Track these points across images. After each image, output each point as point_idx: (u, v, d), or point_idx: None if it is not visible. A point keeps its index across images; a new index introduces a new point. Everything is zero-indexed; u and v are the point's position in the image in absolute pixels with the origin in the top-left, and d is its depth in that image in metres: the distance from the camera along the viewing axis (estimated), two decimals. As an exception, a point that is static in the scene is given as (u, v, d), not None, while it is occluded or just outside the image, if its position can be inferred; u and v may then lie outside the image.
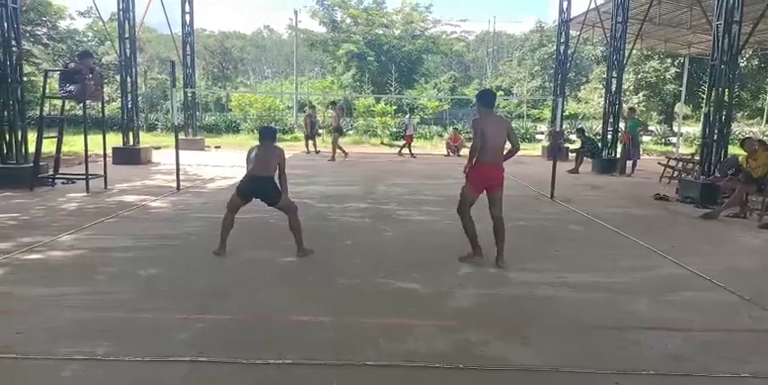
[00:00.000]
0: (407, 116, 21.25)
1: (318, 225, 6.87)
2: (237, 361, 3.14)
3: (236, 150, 18.25)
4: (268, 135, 5.52)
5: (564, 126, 18.69)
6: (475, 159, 5.13)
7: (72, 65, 9.49)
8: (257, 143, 5.47)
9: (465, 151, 19.25)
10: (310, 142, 17.94)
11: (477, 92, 5.53)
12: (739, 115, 31.72)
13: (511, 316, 3.99)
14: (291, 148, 19.40)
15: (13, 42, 9.23)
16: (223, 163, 13.70)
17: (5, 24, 9.07)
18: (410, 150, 17.56)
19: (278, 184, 5.29)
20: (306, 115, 18.97)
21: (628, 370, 3.14)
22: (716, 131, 9.18)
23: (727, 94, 9.14)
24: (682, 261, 5.41)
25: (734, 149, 12.66)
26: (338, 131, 16.27)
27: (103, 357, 3.15)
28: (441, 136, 23.63)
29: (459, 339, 3.52)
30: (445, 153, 18.63)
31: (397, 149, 18.37)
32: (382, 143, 22.85)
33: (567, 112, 27.03)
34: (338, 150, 15.67)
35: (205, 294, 4.25)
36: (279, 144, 5.77)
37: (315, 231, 6.49)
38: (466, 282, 4.68)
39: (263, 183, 5.21)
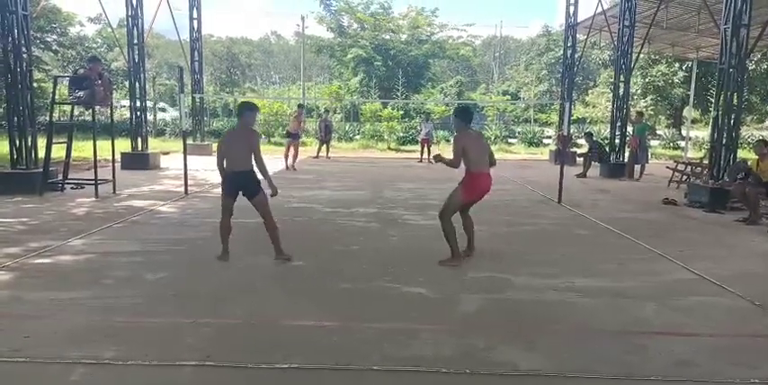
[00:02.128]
0: (422, 120, 20.17)
1: (326, 229, 6.89)
2: (244, 365, 3.14)
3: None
4: (249, 110, 5.28)
5: (571, 130, 18.64)
6: (469, 172, 5.32)
7: (81, 71, 9.58)
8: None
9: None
10: (323, 147, 17.89)
11: (457, 107, 5.74)
12: (748, 119, 31.50)
13: (517, 320, 3.98)
14: (298, 153, 19.45)
15: (24, 49, 9.33)
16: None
17: (16, 31, 9.17)
18: (421, 155, 17.42)
19: (257, 175, 5.18)
20: (321, 120, 18.85)
21: (635, 375, 3.12)
22: (725, 135, 9.13)
23: (735, 97, 9.10)
24: (690, 265, 5.38)
25: (743, 153, 12.59)
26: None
27: (111, 361, 3.17)
28: (447, 141, 23.58)
29: (466, 344, 3.51)
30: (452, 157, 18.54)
31: (420, 158, 17.44)
32: (389, 148, 22.85)
33: (574, 117, 26.95)
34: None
35: (212, 298, 4.27)
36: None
37: (322, 236, 6.52)
38: (472, 287, 4.67)
39: (242, 178, 5.15)
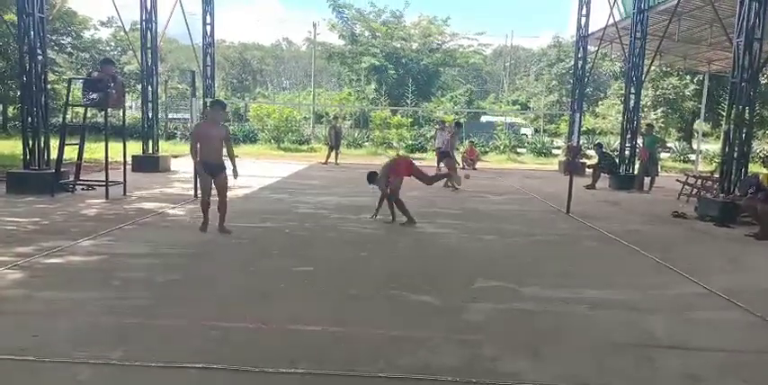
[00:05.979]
0: (437, 128, 18.61)
1: (333, 235, 6.90)
2: (250, 369, 3.15)
3: (254, 160, 18.38)
4: (220, 107, 6.93)
5: (581, 141, 18.58)
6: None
7: (95, 74, 9.67)
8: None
9: (480, 165, 19.20)
10: (332, 153, 17.89)
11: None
12: (760, 133, 31.27)
13: (525, 331, 3.96)
14: (307, 159, 19.53)
15: (39, 51, 9.44)
16: (240, 172, 13.77)
17: (32, 33, 9.29)
18: (438, 165, 17.18)
19: (224, 163, 6.86)
20: (330, 126, 18.78)
21: (643, 388, 3.09)
22: (736, 149, 9.08)
23: (747, 111, 9.06)
24: (700, 279, 5.33)
25: (754, 168, 12.49)
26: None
27: (119, 362, 3.18)
28: (456, 149, 23.55)
29: (472, 353, 3.50)
30: (461, 166, 18.54)
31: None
32: (398, 155, 22.86)
33: (584, 128, 26.91)
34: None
35: (220, 302, 4.28)
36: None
37: (330, 242, 6.53)
38: (480, 296, 4.65)
39: (213, 167, 6.82)
